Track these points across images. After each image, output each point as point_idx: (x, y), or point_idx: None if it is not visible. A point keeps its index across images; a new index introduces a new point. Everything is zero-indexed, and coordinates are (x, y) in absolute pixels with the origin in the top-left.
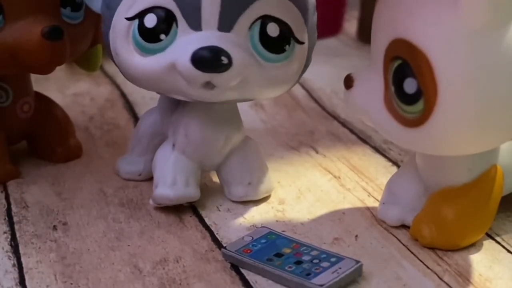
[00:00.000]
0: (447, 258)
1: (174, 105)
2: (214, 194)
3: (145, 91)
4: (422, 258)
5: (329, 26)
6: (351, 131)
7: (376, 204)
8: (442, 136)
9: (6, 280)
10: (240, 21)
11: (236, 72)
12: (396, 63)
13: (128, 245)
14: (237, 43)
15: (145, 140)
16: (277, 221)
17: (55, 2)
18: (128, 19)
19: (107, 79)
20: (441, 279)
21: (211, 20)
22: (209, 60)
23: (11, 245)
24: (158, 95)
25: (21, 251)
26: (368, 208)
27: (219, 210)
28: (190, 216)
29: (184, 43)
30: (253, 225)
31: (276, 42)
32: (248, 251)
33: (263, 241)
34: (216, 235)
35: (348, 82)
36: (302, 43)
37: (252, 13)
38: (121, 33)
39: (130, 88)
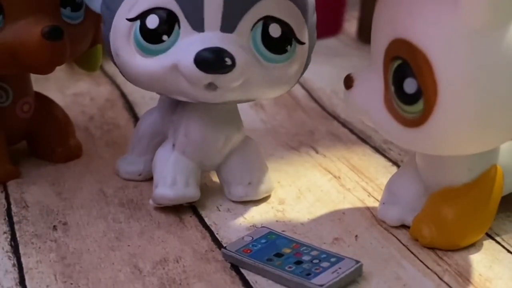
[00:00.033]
0: (447, 258)
1: (174, 105)
2: (214, 194)
3: (145, 91)
4: (422, 258)
5: (329, 26)
6: (351, 131)
7: (376, 204)
8: (442, 136)
9: (6, 280)
10: (243, 22)
11: (239, 73)
12: (396, 63)
13: (128, 245)
14: (239, 44)
15: (145, 140)
16: (277, 221)
17: (55, 2)
18: (129, 20)
19: (107, 79)
20: (441, 279)
21: (213, 21)
22: (212, 61)
23: (11, 245)
24: (158, 95)
25: (21, 251)
26: (368, 208)
27: (219, 210)
28: (190, 216)
29: (187, 44)
30: (253, 225)
31: (278, 42)
32: (248, 251)
33: (263, 241)
34: (216, 235)
35: (348, 82)
36: (303, 43)
37: (255, 14)
38: (122, 34)
39: (130, 88)
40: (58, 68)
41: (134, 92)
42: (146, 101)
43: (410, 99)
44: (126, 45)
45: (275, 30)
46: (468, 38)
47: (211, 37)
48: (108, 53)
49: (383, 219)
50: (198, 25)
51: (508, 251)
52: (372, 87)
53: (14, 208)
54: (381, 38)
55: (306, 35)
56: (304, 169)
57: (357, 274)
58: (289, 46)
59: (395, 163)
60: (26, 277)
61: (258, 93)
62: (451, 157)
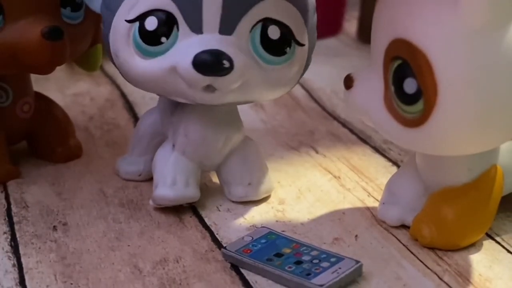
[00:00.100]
0: (447, 258)
1: (174, 105)
2: (214, 194)
3: (145, 91)
4: (422, 258)
5: (329, 26)
6: (351, 131)
7: (376, 204)
8: (442, 136)
9: (6, 280)
10: (241, 24)
11: (238, 75)
12: (396, 63)
13: (128, 245)
14: (238, 46)
15: (145, 140)
16: (277, 221)
17: (55, 2)
18: (128, 21)
19: (107, 79)
20: (441, 279)
21: (212, 23)
22: (211, 64)
23: (11, 245)
24: (158, 96)
25: (21, 251)
26: (368, 208)
27: (219, 210)
28: (190, 216)
29: (185, 46)
30: (253, 225)
31: (277, 44)
32: (248, 251)
33: (263, 241)
34: (216, 235)
35: (348, 82)
36: (303, 45)
37: (253, 15)
38: (121, 35)
39: (130, 88)
40: (58, 68)
41: (134, 92)
42: (146, 101)
43: (410, 99)
44: (125, 46)
45: (274, 32)
46: (468, 38)
47: (210, 39)
48: (108, 54)
49: (383, 219)
50: (196, 27)
51: (508, 251)
52: (372, 87)
53: (14, 208)
54: (381, 38)
55: (306, 36)
56: (304, 169)
57: (357, 274)
58: (288, 48)
59: (395, 163)
60: (26, 277)
61: (257, 95)
62: (451, 157)
